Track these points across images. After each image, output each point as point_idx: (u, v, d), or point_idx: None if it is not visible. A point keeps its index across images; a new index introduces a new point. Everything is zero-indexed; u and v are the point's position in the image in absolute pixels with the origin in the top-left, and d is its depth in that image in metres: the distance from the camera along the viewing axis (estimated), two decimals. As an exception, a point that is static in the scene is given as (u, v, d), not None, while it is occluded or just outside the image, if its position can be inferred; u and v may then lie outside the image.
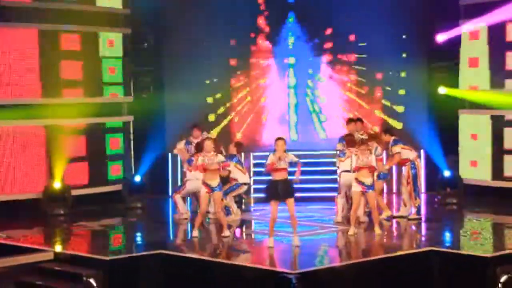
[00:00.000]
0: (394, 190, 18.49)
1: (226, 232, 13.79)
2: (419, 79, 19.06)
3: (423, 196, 18.39)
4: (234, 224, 14.99)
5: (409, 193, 15.22)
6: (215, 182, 13.74)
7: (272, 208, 12.88)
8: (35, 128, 16.86)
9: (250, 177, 16.78)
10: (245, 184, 15.68)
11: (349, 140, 14.85)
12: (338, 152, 15.11)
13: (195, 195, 15.41)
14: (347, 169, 14.50)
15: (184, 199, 15.72)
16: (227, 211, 15.30)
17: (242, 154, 15.95)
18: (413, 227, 14.99)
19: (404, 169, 15.27)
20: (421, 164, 15.37)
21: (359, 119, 16.41)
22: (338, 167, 15.17)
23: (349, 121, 15.93)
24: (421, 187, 15.20)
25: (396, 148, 15.09)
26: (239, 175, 15.47)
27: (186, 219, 15.44)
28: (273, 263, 12.19)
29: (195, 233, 13.83)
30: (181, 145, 15.94)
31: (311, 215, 15.87)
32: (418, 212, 15.29)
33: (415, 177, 15.12)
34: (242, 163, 15.67)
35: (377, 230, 13.81)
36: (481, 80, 17.73)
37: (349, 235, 13.72)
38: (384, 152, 15.63)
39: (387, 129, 15.87)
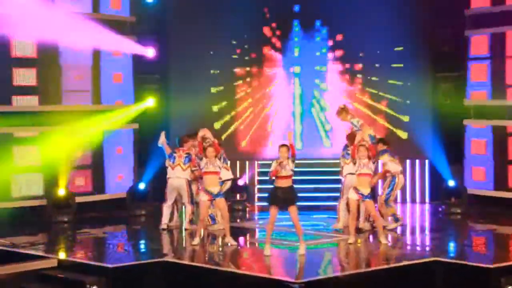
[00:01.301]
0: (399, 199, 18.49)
1: (232, 241, 13.73)
2: (424, 88, 19.05)
3: (427, 206, 18.42)
4: (218, 234, 14.76)
5: (380, 203, 15.14)
6: (216, 188, 13.71)
7: (271, 214, 12.78)
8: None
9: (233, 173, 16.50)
10: (228, 180, 15.55)
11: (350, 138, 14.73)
12: (343, 153, 15.08)
13: (197, 203, 15.32)
14: (352, 171, 14.39)
15: (172, 206, 15.50)
16: (212, 219, 15.14)
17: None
18: (417, 237, 14.97)
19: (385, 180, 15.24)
20: (402, 181, 15.23)
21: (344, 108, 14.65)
22: (342, 167, 15.14)
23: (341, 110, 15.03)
24: (395, 200, 15.19)
25: (384, 158, 15.00)
26: (223, 173, 15.10)
27: (164, 229, 15.26)
28: (277, 272, 12.14)
29: (196, 241, 13.76)
30: (163, 137, 15.54)
31: (315, 224, 15.85)
32: (396, 219, 15.10)
33: (390, 190, 15.02)
34: (226, 160, 15.52)
35: (383, 240, 13.74)
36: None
37: (348, 243, 13.70)
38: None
39: (380, 139, 15.50)
